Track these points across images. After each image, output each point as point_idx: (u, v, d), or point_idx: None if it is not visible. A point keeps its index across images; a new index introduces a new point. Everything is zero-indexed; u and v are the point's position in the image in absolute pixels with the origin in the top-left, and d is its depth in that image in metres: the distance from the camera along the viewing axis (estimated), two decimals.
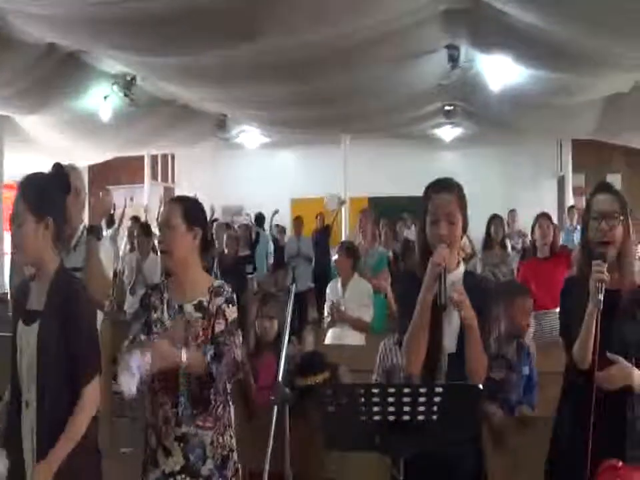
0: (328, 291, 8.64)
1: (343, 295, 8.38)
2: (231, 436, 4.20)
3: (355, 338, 8.24)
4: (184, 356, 3.89)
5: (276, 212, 17.92)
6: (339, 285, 8.48)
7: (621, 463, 3.59)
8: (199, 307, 4.13)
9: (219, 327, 4.10)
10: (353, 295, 8.34)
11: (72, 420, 3.63)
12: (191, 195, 4.91)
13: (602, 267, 3.75)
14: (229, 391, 4.22)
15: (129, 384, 3.79)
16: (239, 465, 4.24)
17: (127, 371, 3.79)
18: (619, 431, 3.87)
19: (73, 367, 3.66)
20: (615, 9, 7.92)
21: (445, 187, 3.86)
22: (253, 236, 15.75)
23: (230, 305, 4.17)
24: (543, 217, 8.79)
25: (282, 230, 17.75)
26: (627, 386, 3.81)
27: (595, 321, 3.75)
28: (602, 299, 3.70)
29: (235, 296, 4.24)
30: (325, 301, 8.74)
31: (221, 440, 4.12)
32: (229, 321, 4.14)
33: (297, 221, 16.23)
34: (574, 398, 4.03)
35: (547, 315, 8.02)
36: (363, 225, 10.37)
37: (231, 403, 4.25)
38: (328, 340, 8.41)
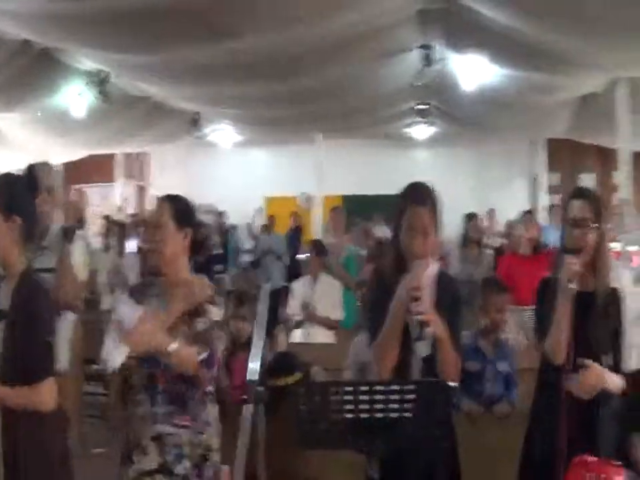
0: (295, 288, 8.63)
1: (312, 293, 8.39)
2: (210, 435, 4.11)
3: (325, 336, 8.25)
4: (172, 345, 3.82)
5: (260, 210, 17.97)
6: (308, 283, 8.48)
7: (591, 458, 3.62)
8: (184, 307, 4.05)
9: (202, 326, 4.02)
10: (323, 293, 8.35)
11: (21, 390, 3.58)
12: (160, 193, 4.86)
13: (575, 261, 3.82)
14: (209, 390, 4.17)
15: (113, 355, 3.77)
16: (221, 467, 4.19)
17: (112, 341, 3.77)
18: (591, 427, 3.93)
19: (26, 368, 3.62)
20: (589, 9, 7.95)
21: (421, 199, 3.84)
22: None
23: (213, 304, 4.10)
24: (529, 214, 8.89)
25: (264, 229, 17.74)
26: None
27: (567, 314, 3.80)
28: (574, 288, 3.76)
29: (218, 295, 4.19)
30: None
31: (198, 439, 4.04)
32: (211, 321, 4.06)
33: (270, 219, 16.30)
34: (547, 394, 4.07)
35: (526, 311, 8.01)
36: (334, 223, 10.42)
37: (211, 402, 4.21)
38: (298, 338, 8.39)
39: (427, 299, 3.63)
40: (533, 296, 7.04)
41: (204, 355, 3.92)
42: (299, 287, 8.62)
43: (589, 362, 3.83)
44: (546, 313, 4.02)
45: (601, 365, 3.95)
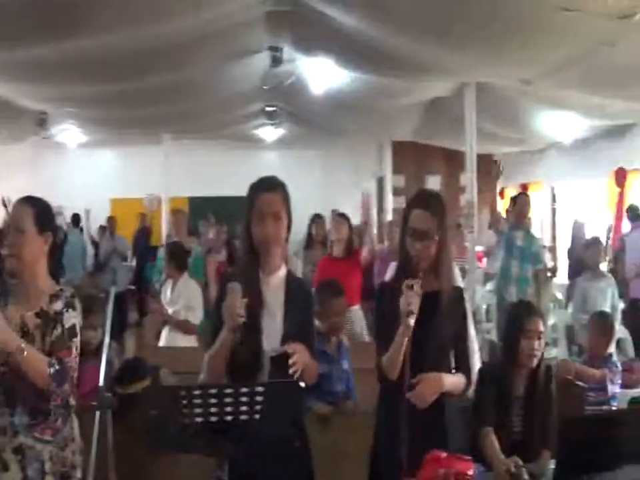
0: (162, 291, 8.55)
1: (170, 296, 8.32)
2: (73, 452, 3.98)
3: (187, 339, 8.18)
4: (26, 348, 3.67)
5: (87, 213, 17.74)
6: (168, 286, 8.41)
7: (443, 454, 3.70)
8: (39, 314, 3.90)
9: (56, 333, 3.89)
10: (179, 297, 8.28)
11: None
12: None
13: (413, 293, 3.78)
14: (72, 403, 4.02)
15: None
16: None
17: None
18: (439, 423, 4.04)
19: None
20: (436, 15, 8.10)
21: (270, 185, 3.90)
22: (61, 237, 15.49)
23: (69, 310, 3.96)
24: (339, 216, 8.82)
25: (103, 230, 17.44)
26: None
27: (405, 341, 3.80)
28: (412, 325, 3.75)
29: (76, 300, 4.05)
30: (146, 302, 8.64)
31: (61, 455, 3.91)
32: (65, 327, 3.92)
33: (111, 221, 16.12)
34: (387, 399, 4.13)
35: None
36: (176, 226, 10.38)
37: (74, 417, 4.09)
38: (162, 342, 8.29)
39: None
40: (347, 297, 7.14)
41: (55, 369, 3.80)
42: (162, 291, 8.52)
43: (424, 376, 3.90)
44: (384, 320, 4.07)
45: (443, 364, 4.05)
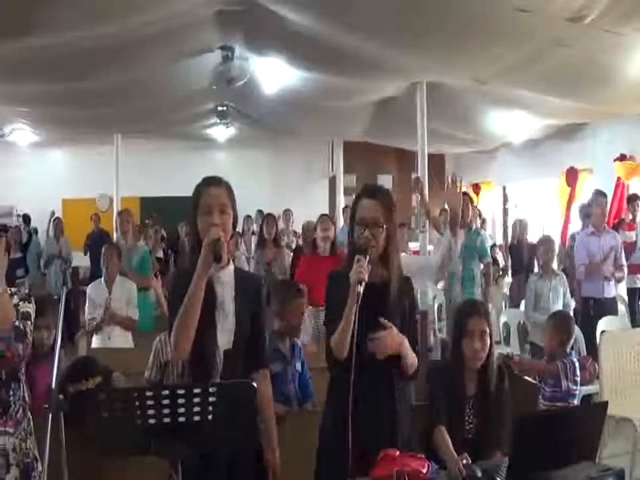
0: (90, 292, 8.48)
1: (109, 294, 8.29)
2: (33, 445, 4.03)
3: (122, 340, 8.17)
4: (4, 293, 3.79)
5: (53, 214, 17.53)
6: (103, 284, 8.37)
7: (396, 452, 3.70)
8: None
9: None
10: (120, 294, 8.28)
11: None
12: None
13: (363, 264, 3.84)
14: (27, 398, 4.05)
15: None
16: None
17: None
18: (391, 422, 4.04)
19: None
20: (389, 14, 8.12)
21: (215, 181, 3.93)
22: (24, 238, 15.37)
23: (25, 302, 4.04)
24: (325, 216, 9.05)
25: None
26: (386, 381, 4.02)
27: (353, 315, 3.82)
28: (361, 292, 3.78)
29: (32, 297, 4.12)
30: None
31: (24, 446, 3.94)
32: (20, 312, 3.98)
33: (57, 222, 15.97)
34: (335, 389, 4.11)
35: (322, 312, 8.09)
36: (122, 227, 10.36)
37: (29, 412, 4.07)
38: (95, 343, 8.25)
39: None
40: None
41: (17, 324, 3.87)
42: (95, 290, 8.46)
43: (387, 324, 3.92)
44: (333, 308, 4.06)
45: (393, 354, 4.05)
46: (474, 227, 9.92)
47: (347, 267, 4.02)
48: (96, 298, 8.33)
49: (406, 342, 4.00)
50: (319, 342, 7.70)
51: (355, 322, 3.81)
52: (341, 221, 16.64)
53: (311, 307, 8.01)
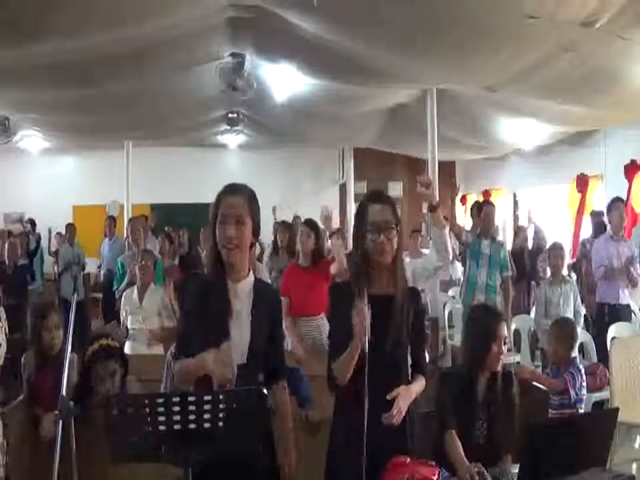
0: (124, 300, 8.44)
1: (140, 303, 8.26)
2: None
3: (157, 348, 8.12)
4: None
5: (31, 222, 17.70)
6: (135, 294, 8.34)
7: (407, 459, 3.70)
8: None
9: None
10: (152, 304, 8.24)
11: None
12: None
13: (363, 318, 3.74)
14: None
15: None
16: None
17: None
18: (402, 430, 3.99)
19: None
20: (400, 22, 8.11)
21: (234, 190, 3.86)
22: (32, 245, 15.34)
23: None
24: (304, 225, 8.46)
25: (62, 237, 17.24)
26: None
27: (355, 357, 3.79)
28: (365, 345, 3.73)
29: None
30: (110, 310, 8.56)
31: None
32: None
33: (70, 228, 15.87)
34: (345, 406, 4.07)
35: (309, 321, 7.94)
36: (132, 235, 10.33)
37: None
38: (128, 349, 8.18)
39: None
40: (311, 306, 7.25)
41: None
42: (126, 299, 8.42)
43: (394, 393, 3.86)
44: (337, 322, 4.05)
45: (402, 366, 4.05)
46: (497, 238, 9.95)
47: (351, 277, 4.02)
48: (128, 306, 8.32)
49: (413, 390, 4.00)
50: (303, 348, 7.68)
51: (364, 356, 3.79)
52: (351, 228, 16.57)
53: (290, 317, 7.79)
